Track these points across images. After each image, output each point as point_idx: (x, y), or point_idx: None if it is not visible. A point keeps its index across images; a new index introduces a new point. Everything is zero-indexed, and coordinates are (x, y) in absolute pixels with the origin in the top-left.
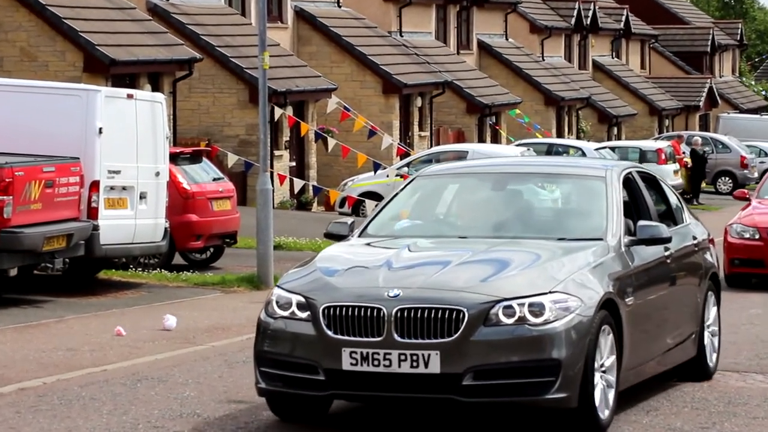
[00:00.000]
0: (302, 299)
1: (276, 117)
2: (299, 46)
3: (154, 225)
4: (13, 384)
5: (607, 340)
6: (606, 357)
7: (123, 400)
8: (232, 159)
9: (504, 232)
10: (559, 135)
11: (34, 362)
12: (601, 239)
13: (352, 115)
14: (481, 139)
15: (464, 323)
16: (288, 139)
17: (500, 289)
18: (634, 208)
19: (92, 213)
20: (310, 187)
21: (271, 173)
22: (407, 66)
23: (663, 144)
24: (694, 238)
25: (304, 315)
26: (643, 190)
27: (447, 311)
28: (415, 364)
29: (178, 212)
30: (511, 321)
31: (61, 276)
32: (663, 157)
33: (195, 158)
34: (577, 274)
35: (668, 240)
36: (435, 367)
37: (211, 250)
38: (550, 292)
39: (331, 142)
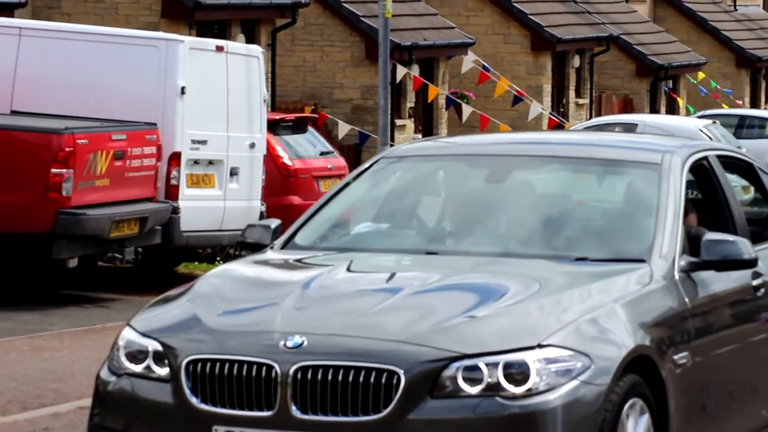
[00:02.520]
0: (160, 347)
1: (398, 77)
2: None
3: (247, 208)
4: (70, 402)
5: (639, 423)
6: None
7: None
8: (343, 129)
9: (496, 246)
10: (754, 105)
11: None
12: (642, 261)
13: (493, 77)
14: (654, 109)
15: (399, 392)
16: (413, 105)
17: (461, 339)
18: (710, 213)
19: (171, 192)
20: None
21: (392, 147)
22: (562, 16)
23: None
24: None
25: (162, 372)
26: (724, 186)
27: (374, 373)
28: None
29: (278, 193)
30: (475, 390)
31: (132, 269)
32: None
33: (298, 127)
34: (591, 316)
35: (751, 263)
36: None
37: None
38: (539, 346)
39: (467, 110)
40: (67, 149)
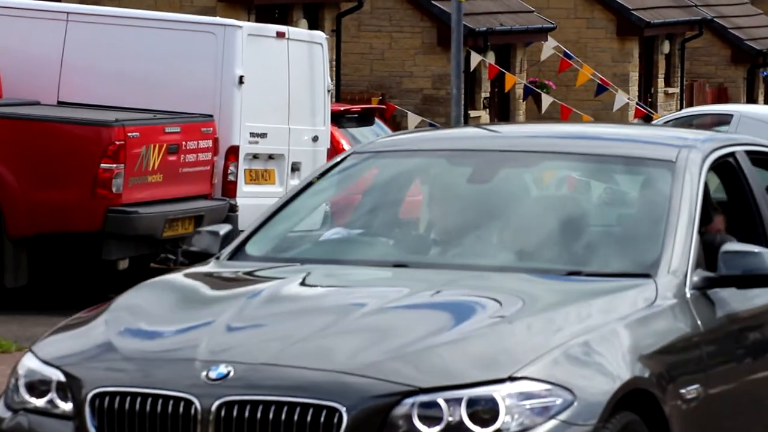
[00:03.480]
0: (64, 378)
1: (473, 65)
2: None
3: None
4: None
5: None
6: None
7: None
8: (413, 120)
9: (475, 257)
10: None
11: None
12: (647, 276)
13: (575, 65)
14: (751, 99)
15: None
16: (488, 95)
17: (418, 370)
18: (737, 220)
19: (229, 189)
20: None
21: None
22: None
23: None
24: None
25: (66, 407)
26: (754, 187)
27: (311, 410)
28: None
29: None
30: (434, 431)
31: None
32: None
33: (365, 119)
34: (577, 342)
35: None
36: None
37: None
38: (511, 379)
39: (546, 100)
40: (117, 143)
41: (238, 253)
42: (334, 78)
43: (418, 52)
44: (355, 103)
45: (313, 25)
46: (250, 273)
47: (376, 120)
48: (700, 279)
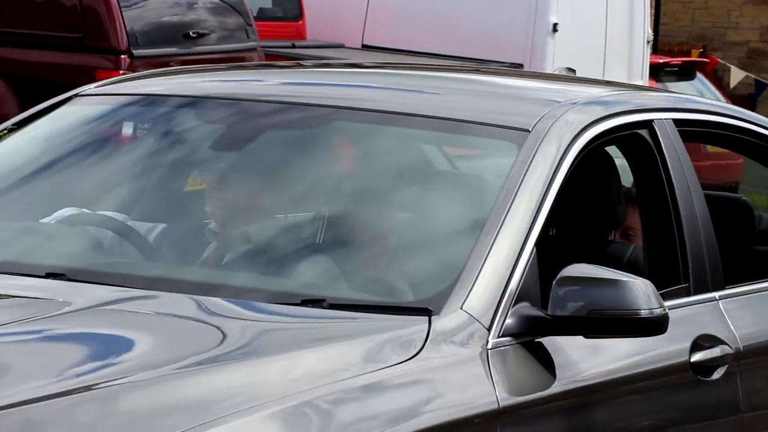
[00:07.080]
0: None
1: None
2: None
3: None
4: None
5: None
6: None
7: None
8: (736, 76)
9: (174, 267)
10: None
11: None
12: (424, 311)
13: None
14: None
15: None
16: None
17: None
18: (646, 226)
19: None
20: None
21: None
22: None
23: None
24: None
25: None
26: (674, 176)
27: None
28: None
29: None
30: None
31: None
32: None
33: (685, 73)
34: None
35: (651, 326)
36: None
37: None
38: None
39: None
40: None
41: None
42: (653, 27)
43: (746, 2)
44: (674, 55)
45: None
46: None
47: (698, 74)
48: (518, 320)
